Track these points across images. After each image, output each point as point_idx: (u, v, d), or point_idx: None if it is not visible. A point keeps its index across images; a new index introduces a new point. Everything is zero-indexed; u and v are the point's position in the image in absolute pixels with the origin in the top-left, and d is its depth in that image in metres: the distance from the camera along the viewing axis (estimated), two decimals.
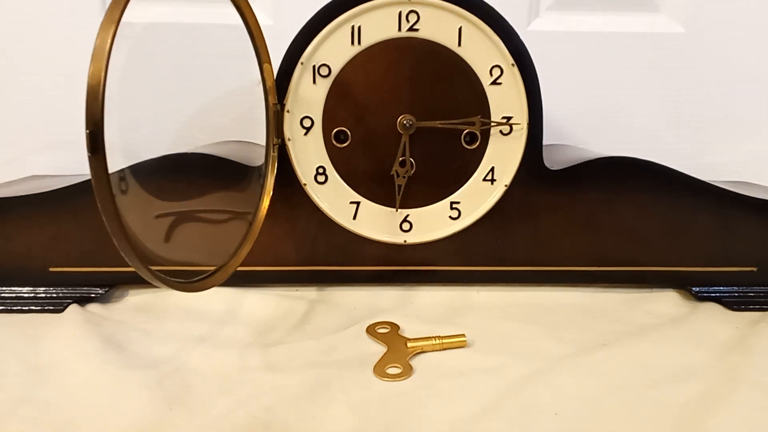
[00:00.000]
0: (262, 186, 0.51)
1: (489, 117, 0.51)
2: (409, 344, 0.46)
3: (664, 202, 0.53)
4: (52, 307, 0.51)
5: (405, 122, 0.50)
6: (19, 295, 0.52)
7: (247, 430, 0.37)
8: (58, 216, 0.51)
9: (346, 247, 0.54)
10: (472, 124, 0.51)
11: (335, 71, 0.50)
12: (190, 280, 0.44)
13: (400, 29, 0.49)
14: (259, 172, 0.52)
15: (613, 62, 0.69)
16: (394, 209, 0.53)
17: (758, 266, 0.54)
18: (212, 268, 0.46)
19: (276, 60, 0.50)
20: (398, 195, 0.52)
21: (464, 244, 0.54)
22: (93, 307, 0.52)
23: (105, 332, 0.48)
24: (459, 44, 0.49)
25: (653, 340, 0.48)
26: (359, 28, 0.49)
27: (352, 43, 0.49)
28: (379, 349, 0.46)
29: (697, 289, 0.55)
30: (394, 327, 0.49)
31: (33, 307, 0.51)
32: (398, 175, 0.52)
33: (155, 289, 0.53)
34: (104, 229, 0.35)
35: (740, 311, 0.53)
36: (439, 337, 0.46)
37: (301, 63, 0.50)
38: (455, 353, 0.46)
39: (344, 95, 0.50)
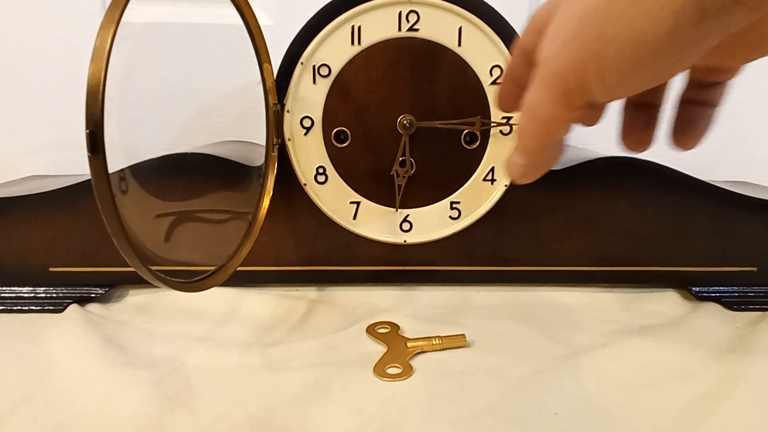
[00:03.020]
0: (262, 186, 0.51)
1: (489, 117, 0.51)
2: (409, 344, 0.46)
3: (664, 202, 0.53)
4: (52, 307, 0.51)
5: (405, 122, 0.50)
6: (19, 295, 0.52)
7: (247, 430, 0.37)
8: (58, 216, 0.51)
9: (346, 247, 0.54)
10: (472, 124, 0.51)
11: (335, 71, 0.50)
12: (190, 280, 0.44)
13: (400, 29, 0.49)
14: (259, 172, 0.52)
15: None
16: (394, 209, 0.53)
17: (758, 266, 0.54)
18: (212, 268, 0.46)
19: (276, 60, 0.50)
20: (398, 195, 0.52)
21: (464, 244, 0.54)
22: (93, 307, 0.52)
23: (105, 332, 0.47)
24: (459, 44, 0.49)
25: (653, 340, 0.47)
26: (359, 28, 0.49)
27: (352, 43, 0.49)
28: (379, 349, 0.46)
29: (697, 289, 0.55)
30: (394, 327, 0.49)
31: (33, 307, 0.51)
32: (398, 175, 0.52)
33: (155, 289, 0.53)
34: (104, 229, 0.35)
35: (740, 311, 0.53)
36: (439, 337, 0.46)
37: (301, 63, 0.50)
38: (455, 353, 0.46)
39: (344, 95, 0.50)
